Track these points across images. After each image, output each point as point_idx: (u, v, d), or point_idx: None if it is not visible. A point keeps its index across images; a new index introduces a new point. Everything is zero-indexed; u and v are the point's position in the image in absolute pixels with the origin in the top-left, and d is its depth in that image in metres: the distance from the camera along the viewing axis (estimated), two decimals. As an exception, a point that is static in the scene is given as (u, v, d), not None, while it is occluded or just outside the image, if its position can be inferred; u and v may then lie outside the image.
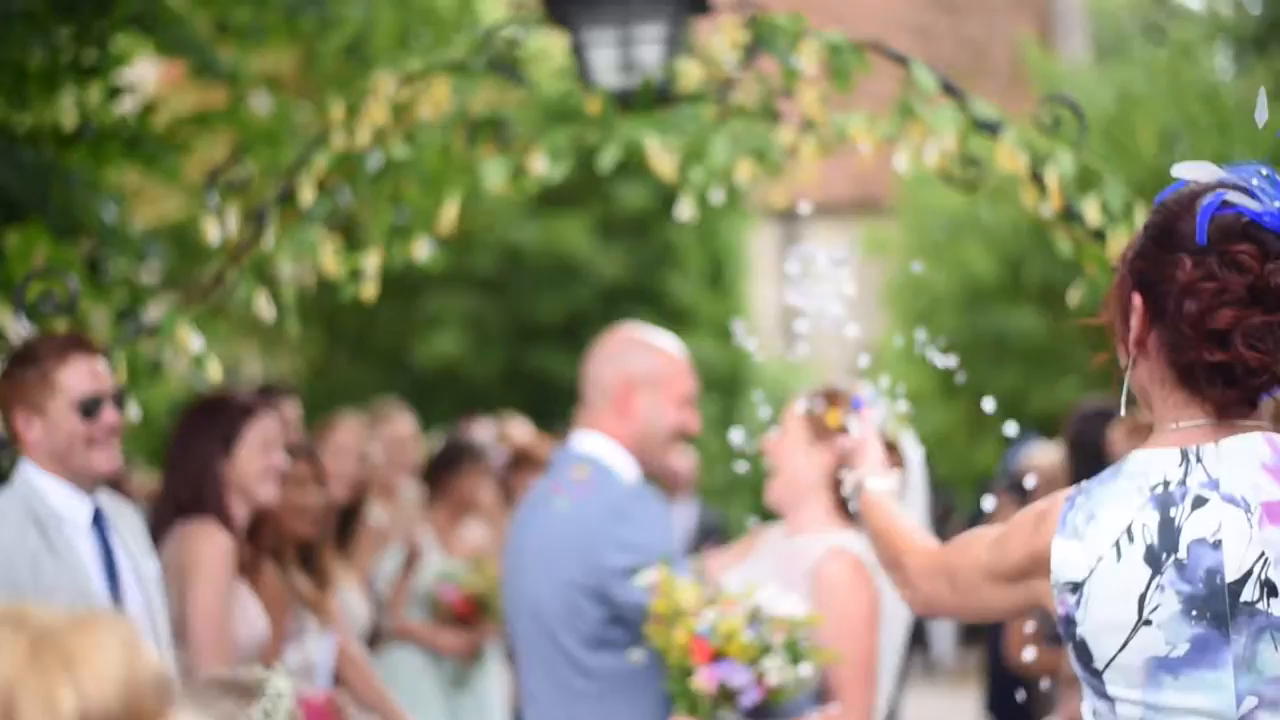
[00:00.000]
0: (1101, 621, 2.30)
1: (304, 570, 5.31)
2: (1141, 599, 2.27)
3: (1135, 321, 2.37)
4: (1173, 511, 2.28)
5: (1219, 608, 2.25)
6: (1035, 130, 4.33)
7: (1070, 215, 4.26)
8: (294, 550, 5.30)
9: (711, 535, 8.02)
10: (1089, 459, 5.66)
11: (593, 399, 4.08)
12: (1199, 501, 2.28)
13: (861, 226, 16.97)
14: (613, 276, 12.51)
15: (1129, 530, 2.29)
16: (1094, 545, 2.31)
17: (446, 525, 6.85)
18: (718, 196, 4.49)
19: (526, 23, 4.52)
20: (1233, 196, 2.29)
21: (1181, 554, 2.26)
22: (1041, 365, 12.68)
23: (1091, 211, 4.19)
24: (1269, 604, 2.24)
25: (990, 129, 4.31)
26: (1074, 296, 4.41)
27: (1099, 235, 4.22)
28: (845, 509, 3.86)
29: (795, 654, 3.50)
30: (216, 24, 6.96)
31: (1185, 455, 2.32)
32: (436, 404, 11.71)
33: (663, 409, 4.04)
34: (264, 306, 4.49)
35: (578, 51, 4.48)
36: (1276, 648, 2.24)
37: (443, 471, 6.91)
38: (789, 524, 3.92)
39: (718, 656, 3.49)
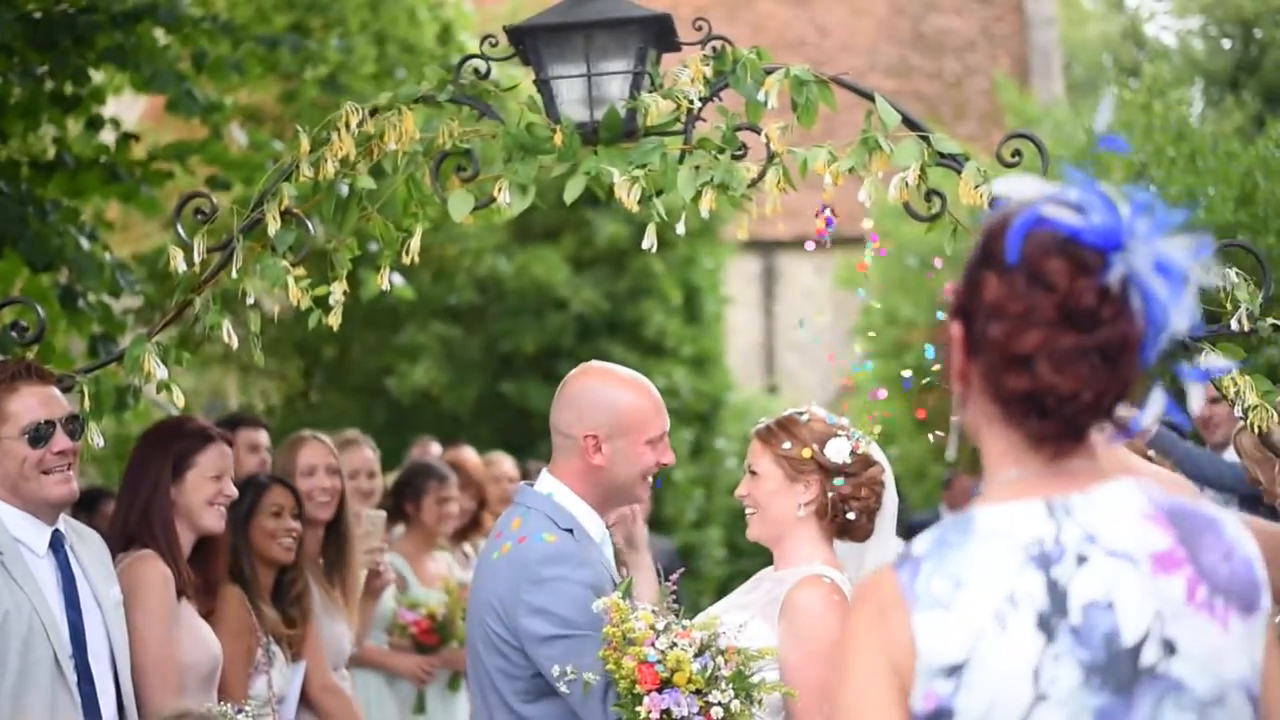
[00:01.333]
0: (990, 703, 2.03)
1: (279, 601, 5.31)
2: (1036, 673, 2.02)
3: (956, 353, 2.15)
4: (1055, 572, 2.05)
5: (1121, 675, 2.04)
6: (1000, 165, 4.38)
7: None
8: (269, 580, 5.31)
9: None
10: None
11: (558, 444, 3.99)
12: (1082, 559, 2.05)
13: (836, 258, 17.05)
14: (589, 308, 12.55)
15: (1011, 596, 2.04)
16: (969, 617, 2.04)
17: (416, 552, 6.84)
18: (682, 228, 4.53)
19: (492, 57, 4.56)
20: (1050, 210, 2.06)
21: (1075, 619, 2.03)
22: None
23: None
24: (1169, 665, 2.05)
25: (952, 162, 4.36)
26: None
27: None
28: (833, 537, 3.91)
29: (742, 686, 3.52)
30: (194, 58, 7.02)
31: (1051, 508, 2.09)
32: (414, 433, 11.72)
33: (632, 453, 3.93)
34: (229, 335, 4.52)
35: (544, 85, 4.53)
36: (1180, 712, 2.05)
37: (406, 498, 6.90)
38: (777, 560, 3.96)
39: (665, 685, 3.52)
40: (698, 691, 3.52)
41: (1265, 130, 11.45)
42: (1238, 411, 4.17)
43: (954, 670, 2.03)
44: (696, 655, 3.54)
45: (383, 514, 6.23)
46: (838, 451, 3.91)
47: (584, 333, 12.59)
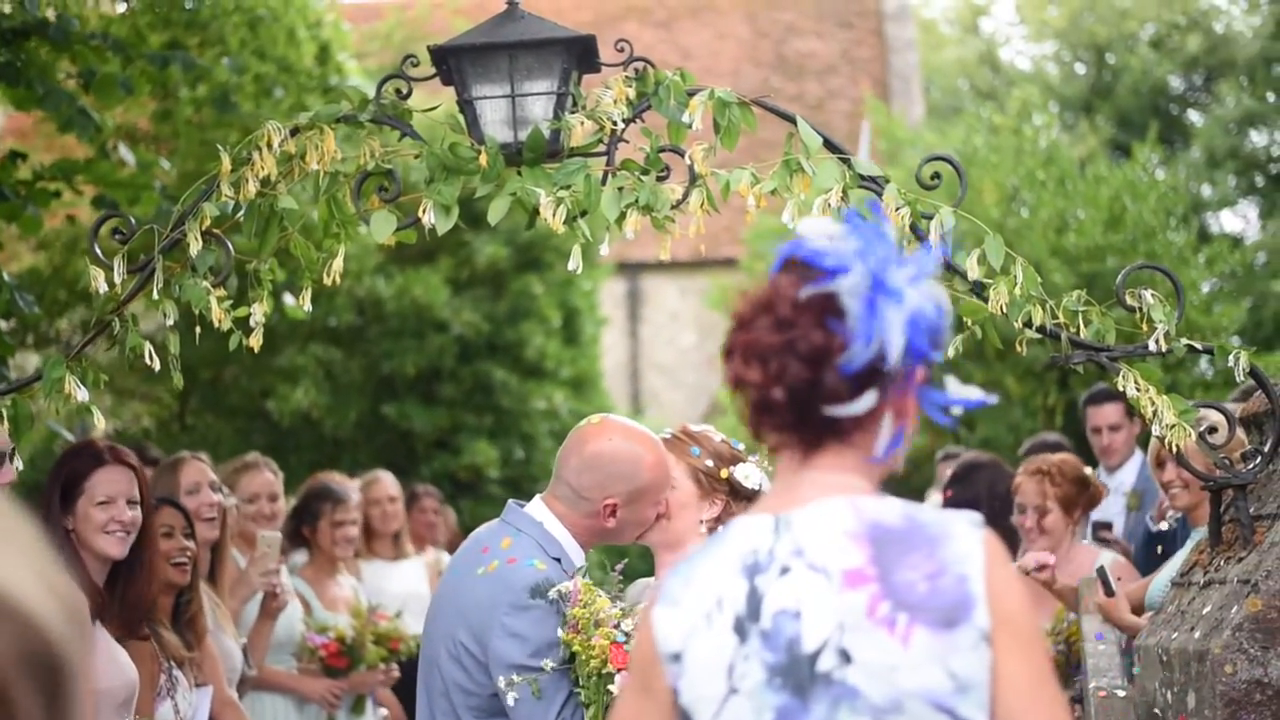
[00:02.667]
0: (698, 690, 2.28)
1: (177, 624, 5.21)
2: (730, 668, 2.26)
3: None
4: (759, 580, 2.27)
5: (799, 678, 2.23)
6: (920, 187, 4.47)
7: (950, 269, 4.41)
8: (167, 603, 5.21)
9: None
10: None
11: (564, 493, 3.94)
12: (785, 570, 2.26)
13: (702, 281, 17.17)
14: (470, 329, 12.50)
15: (719, 600, 2.28)
16: (689, 613, 2.30)
17: (317, 576, 6.77)
18: (606, 249, 4.55)
19: (414, 78, 4.55)
20: (812, 241, 2.29)
21: (765, 624, 2.25)
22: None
23: (972, 266, 4.35)
24: (845, 673, 2.22)
25: (873, 185, 4.44)
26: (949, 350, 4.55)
27: (978, 289, 4.38)
28: None
29: None
30: (82, 76, 6.87)
31: (777, 523, 2.30)
32: (294, 456, 11.57)
33: (642, 514, 3.96)
34: (151, 357, 4.44)
35: (467, 106, 4.52)
36: (855, 715, 2.22)
37: (303, 522, 6.84)
38: (660, 570, 4.01)
39: None
40: None
41: (1131, 154, 11.80)
42: (1156, 430, 4.28)
43: (676, 657, 2.30)
44: None
45: (278, 535, 6.16)
46: (748, 476, 3.97)
47: (465, 354, 12.52)
